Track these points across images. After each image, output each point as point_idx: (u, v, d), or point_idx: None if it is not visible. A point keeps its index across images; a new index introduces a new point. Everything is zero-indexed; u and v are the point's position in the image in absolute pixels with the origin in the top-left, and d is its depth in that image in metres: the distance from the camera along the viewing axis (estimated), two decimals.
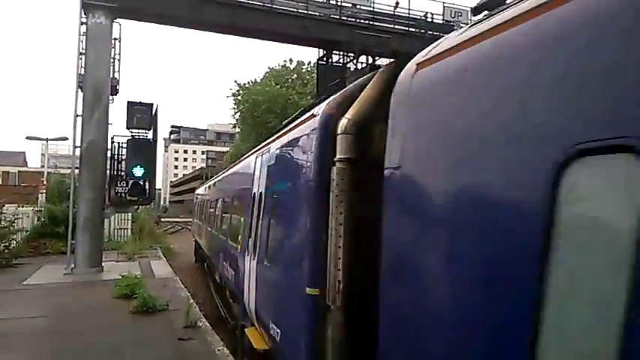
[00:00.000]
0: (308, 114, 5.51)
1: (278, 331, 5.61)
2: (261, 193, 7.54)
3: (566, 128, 1.99)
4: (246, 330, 7.23)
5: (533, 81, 2.28)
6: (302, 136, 5.37)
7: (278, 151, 6.84)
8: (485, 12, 3.01)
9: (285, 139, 6.48)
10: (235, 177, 11.43)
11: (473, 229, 2.53)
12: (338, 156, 4.17)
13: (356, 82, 4.66)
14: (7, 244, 15.61)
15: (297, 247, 5.06)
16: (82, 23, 14.70)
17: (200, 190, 24.51)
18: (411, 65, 3.56)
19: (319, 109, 4.84)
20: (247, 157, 10.08)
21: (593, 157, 1.80)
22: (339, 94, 4.78)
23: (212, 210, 15.69)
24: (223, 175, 15.05)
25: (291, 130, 6.21)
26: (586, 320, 1.77)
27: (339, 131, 4.21)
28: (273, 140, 7.39)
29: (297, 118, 6.17)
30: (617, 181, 1.74)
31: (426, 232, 3.09)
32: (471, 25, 3.10)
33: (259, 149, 8.58)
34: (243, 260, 8.30)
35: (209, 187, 19.74)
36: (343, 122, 4.19)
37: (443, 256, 2.87)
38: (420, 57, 3.51)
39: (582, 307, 1.80)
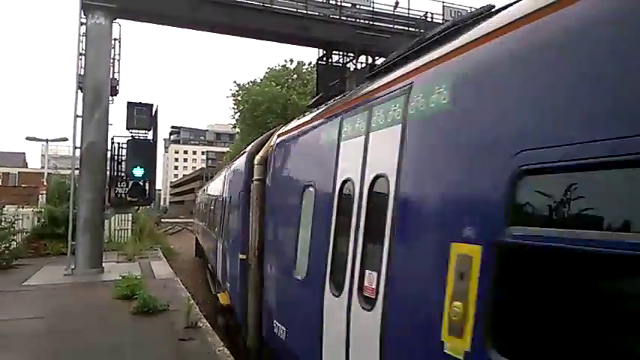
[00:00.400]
0: (243, 150, 9.60)
1: (228, 284, 9.35)
2: (225, 197, 11.41)
3: (305, 178, 5.27)
4: (218, 294, 10.67)
5: (299, 159, 5.96)
6: (240, 162, 9.18)
7: (232, 169, 10.89)
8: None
9: (234, 162, 10.85)
10: (217, 184, 15.36)
11: (283, 214, 6.11)
12: (254, 177, 7.18)
13: (265, 135, 8.25)
14: (8, 245, 15.60)
15: (236, 231, 8.41)
16: (81, 24, 14.69)
17: (198, 193, 29.19)
18: (278, 133, 7.04)
19: (248, 148, 8.42)
20: (223, 169, 14.28)
21: (309, 188, 5.03)
22: (257, 140, 8.32)
23: (204, 210, 20.10)
24: (211, 182, 20.06)
25: (237, 158, 10.49)
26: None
27: (255, 162, 7.28)
28: (233, 161, 11.63)
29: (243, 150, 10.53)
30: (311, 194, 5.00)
31: (272, 218, 6.56)
32: (302, 115, 6.62)
33: (227, 165, 12.87)
34: (216, 245, 12.43)
35: (203, 190, 24.66)
36: (257, 157, 7.29)
37: (278, 229, 6.37)
38: (281, 130, 7.02)
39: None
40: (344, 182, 4.17)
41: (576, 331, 2.02)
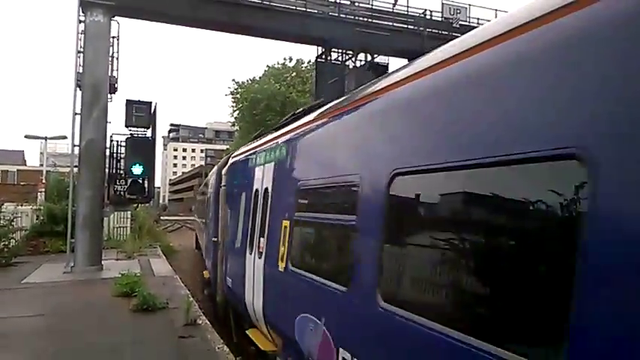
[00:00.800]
0: (215, 165, 15.70)
1: (207, 259, 13.23)
2: (207, 197, 15.27)
3: (240, 187, 8.54)
4: (204, 272, 14.18)
5: (239, 175, 9.13)
6: (214, 172, 13.64)
7: (212, 177, 14.31)
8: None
9: (214, 171, 14.68)
10: (205, 187, 19.99)
11: (233, 209, 9.07)
12: (222, 184, 10.83)
13: (226, 157, 11.66)
14: (7, 242, 15.60)
15: (212, 222, 11.78)
16: (80, 21, 14.66)
17: (197, 192, 35.86)
18: (232, 156, 10.40)
19: (220, 162, 13.18)
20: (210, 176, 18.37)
21: (242, 194, 8.32)
22: (225, 157, 12.68)
23: (198, 207, 25.38)
24: (203, 184, 25.40)
25: (212, 168, 18.62)
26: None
27: (222, 173, 10.81)
28: (211, 173, 16.48)
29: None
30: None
31: (228, 212, 9.60)
32: (249, 143, 9.63)
33: (211, 173, 16.71)
34: (203, 233, 17.10)
35: (198, 191, 30.58)
36: (224, 170, 10.68)
37: (230, 219, 9.29)
38: (234, 154, 10.29)
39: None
40: (255, 191, 7.21)
41: (312, 254, 5.20)
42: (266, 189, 6.59)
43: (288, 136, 6.25)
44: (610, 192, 1.85)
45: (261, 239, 6.46)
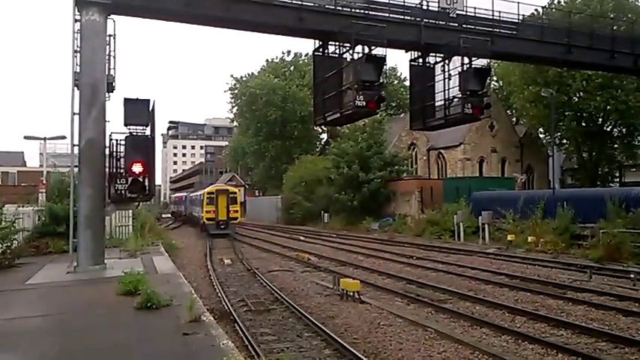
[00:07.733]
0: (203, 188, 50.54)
1: (189, 211, 54.54)
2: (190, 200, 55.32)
3: (193, 199, 56.09)
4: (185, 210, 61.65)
5: (195, 198, 54.23)
6: (198, 193, 48.78)
7: (195, 194, 51.30)
8: None
9: (197, 192, 52.07)
10: (193, 195, 52.28)
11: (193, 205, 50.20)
12: (205, 197, 40.56)
13: (207, 189, 45.30)
14: (10, 244, 15.62)
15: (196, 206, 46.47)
16: (75, 20, 14.60)
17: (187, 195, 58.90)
18: (206, 191, 42.27)
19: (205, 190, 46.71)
20: (195, 192, 53.52)
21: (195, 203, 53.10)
22: (207, 189, 45.21)
23: (190, 201, 52.83)
24: (191, 194, 56.44)
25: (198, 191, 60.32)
26: None
27: (206, 194, 40.46)
28: (196, 191, 56.89)
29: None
30: None
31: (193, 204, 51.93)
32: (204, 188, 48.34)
33: (196, 192, 53.06)
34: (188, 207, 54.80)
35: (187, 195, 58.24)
36: (205, 192, 41.76)
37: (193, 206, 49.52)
38: (207, 189, 42.51)
39: None
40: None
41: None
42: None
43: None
44: None
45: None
